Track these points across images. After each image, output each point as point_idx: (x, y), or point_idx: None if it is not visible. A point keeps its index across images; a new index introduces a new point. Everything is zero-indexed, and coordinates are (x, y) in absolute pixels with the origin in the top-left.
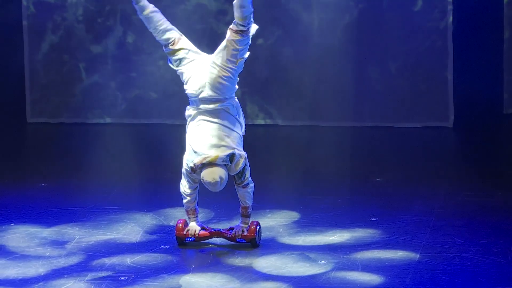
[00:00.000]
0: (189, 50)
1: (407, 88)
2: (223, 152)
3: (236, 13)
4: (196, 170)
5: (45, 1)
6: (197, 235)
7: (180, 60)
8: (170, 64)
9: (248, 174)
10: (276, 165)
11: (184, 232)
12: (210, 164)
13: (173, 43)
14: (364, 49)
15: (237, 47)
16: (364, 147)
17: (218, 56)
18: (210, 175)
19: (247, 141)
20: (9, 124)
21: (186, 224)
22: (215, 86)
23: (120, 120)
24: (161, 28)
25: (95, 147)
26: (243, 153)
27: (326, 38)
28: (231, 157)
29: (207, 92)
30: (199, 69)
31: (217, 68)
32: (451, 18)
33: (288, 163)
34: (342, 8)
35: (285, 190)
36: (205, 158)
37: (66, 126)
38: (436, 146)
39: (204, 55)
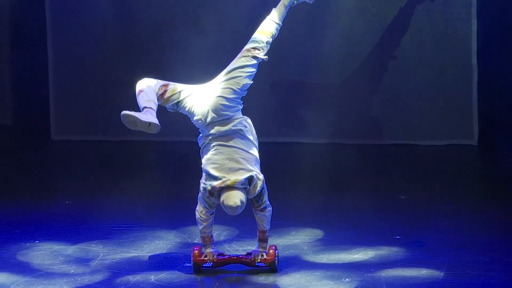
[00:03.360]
0: (180, 91)
1: (432, 106)
2: (242, 176)
3: (265, 28)
4: (214, 193)
5: (70, 16)
6: (215, 260)
7: (177, 103)
8: (171, 111)
9: (265, 197)
10: (300, 182)
11: (202, 258)
12: (229, 187)
13: (161, 96)
14: (388, 67)
15: (244, 70)
16: (389, 165)
17: (221, 79)
18: (232, 199)
19: (271, 159)
20: (34, 141)
21: (202, 250)
22: (217, 108)
23: (145, 138)
24: (157, 95)
25: (120, 164)
26: (261, 176)
27: (349, 57)
28: (250, 179)
29: (211, 116)
30: (199, 98)
31: (219, 90)
32: (475, 36)
33: (311, 181)
34: (365, 28)
35: (309, 208)
36: (224, 181)
37: (90, 143)
38: (460, 163)
39: (200, 86)
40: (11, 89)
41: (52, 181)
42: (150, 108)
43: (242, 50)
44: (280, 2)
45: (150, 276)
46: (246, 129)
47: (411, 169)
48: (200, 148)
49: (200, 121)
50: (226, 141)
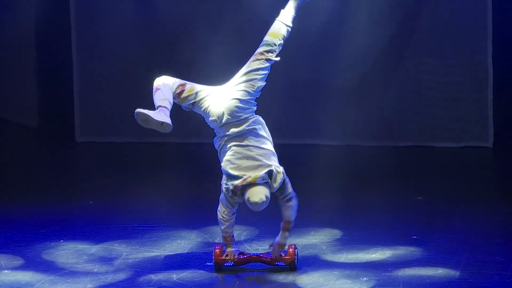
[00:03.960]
0: (197, 92)
1: (447, 108)
2: (261, 171)
3: (275, 31)
4: (236, 192)
5: (94, 18)
6: (236, 259)
7: (193, 103)
8: (186, 110)
9: (290, 188)
10: (318, 184)
11: (223, 257)
12: (251, 184)
13: (178, 95)
14: (404, 70)
15: (258, 73)
16: (405, 166)
17: (236, 81)
18: (257, 195)
19: (289, 161)
20: (58, 142)
21: (223, 249)
22: (232, 110)
23: (168, 139)
24: (174, 94)
25: (143, 165)
26: (280, 168)
27: (364, 59)
28: (270, 173)
29: (226, 117)
30: (214, 100)
31: (234, 92)
32: (491, 38)
33: (329, 182)
34: (380, 30)
35: (327, 208)
36: (245, 179)
37: (114, 145)
38: (476, 165)
39: (216, 87)
40: (36, 91)
41: (76, 182)
42: (164, 107)
43: (255, 53)
44: (289, 3)
45: (172, 274)
46: (259, 127)
47: (427, 171)
48: (217, 150)
49: (215, 122)
50: (241, 141)
